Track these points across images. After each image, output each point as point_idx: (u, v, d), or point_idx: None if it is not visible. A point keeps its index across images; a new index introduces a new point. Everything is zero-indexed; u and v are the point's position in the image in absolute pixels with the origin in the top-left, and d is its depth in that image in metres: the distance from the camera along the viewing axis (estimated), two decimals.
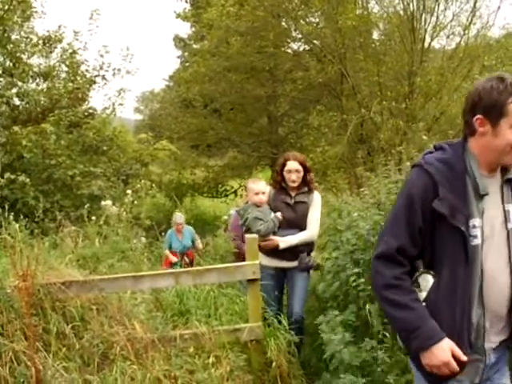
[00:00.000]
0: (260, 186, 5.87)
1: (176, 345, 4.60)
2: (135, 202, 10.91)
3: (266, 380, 4.76)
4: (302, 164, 5.75)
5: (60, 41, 16.21)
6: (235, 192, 22.94)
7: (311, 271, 5.89)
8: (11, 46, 14.83)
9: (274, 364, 4.75)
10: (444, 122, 16.37)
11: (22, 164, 12.82)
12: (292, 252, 5.60)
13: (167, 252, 9.67)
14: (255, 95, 20.71)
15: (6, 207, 6.92)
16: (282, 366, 4.81)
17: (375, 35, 18.71)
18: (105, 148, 15.50)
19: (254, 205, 5.78)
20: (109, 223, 8.49)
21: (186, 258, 9.63)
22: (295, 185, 5.71)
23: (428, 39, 16.94)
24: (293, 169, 5.69)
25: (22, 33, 15.55)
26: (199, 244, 10.15)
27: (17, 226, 6.05)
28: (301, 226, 5.66)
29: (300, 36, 19.44)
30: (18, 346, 4.13)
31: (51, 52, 16.13)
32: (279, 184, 5.83)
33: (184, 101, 24.17)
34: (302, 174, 5.72)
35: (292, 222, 5.66)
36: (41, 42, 15.97)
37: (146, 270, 6.35)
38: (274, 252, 5.61)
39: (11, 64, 14.94)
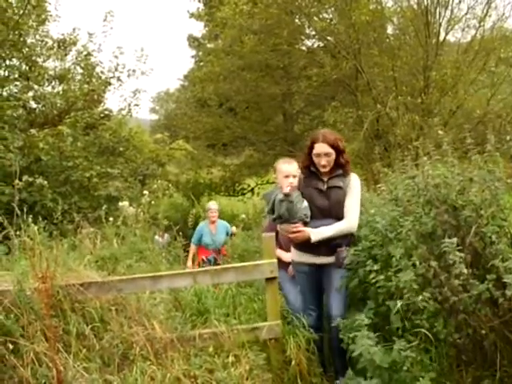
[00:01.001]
0: (291, 168, 5.13)
1: (195, 344, 4.61)
2: (152, 202, 10.94)
3: (285, 378, 4.76)
4: (333, 145, 4.96)
5: (75, 43, 16.31)
6: (252, 190, 22.95)
7: None
8: (27, 49, 14.94)
9: (293, 362, 4.74)
10: (460, 115, 16.26)
11: (39, 166, 12.90)
12: (327, 246, 4.92)
13: (193, 247, 9.31)
14: (270, 93, 20.69)
15: (25, 210, 6.96)
16: (302, 364, 4.80)
17: (389, 30, 18.63)
18: (121, 149, 15.57)
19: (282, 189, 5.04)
20: (126, 224, 8.52)
21: (217, 257, 8.89)
22: (326, 169, 5.01)
23: (443, 33, 16.82)
24: (321, 152, 4.97)
25: (38, 36, 15.68)
26: (234, 229, 9.82)
27: (35, 228, 6.08)
28: (337, 215, 4.94)
29: (314, 33, 19.38)
30: (38, 347, 4.15)
31: (66, 55, 16.24)
32: (308, 169, 5.15)
33: (199, 100, 24.21)
34: (333, 156, 4.98)
35: (326, 211, 4.97)
36: (56, 45, 16.08)
37: (164, 270, 6.36)
38: (305, 246, 4.97)
39: (27, 68, 15.05)
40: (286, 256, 5.63)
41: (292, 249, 5.26)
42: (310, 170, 5.13)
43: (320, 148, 4.99)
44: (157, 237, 10.45)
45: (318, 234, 4.88)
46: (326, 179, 5.06)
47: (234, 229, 9.83)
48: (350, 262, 4.94)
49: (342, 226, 4.93)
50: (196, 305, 5.52)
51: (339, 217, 4.95)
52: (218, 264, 8.43)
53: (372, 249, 4.95)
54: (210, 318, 5.15)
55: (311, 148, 5.06)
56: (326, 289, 5.13)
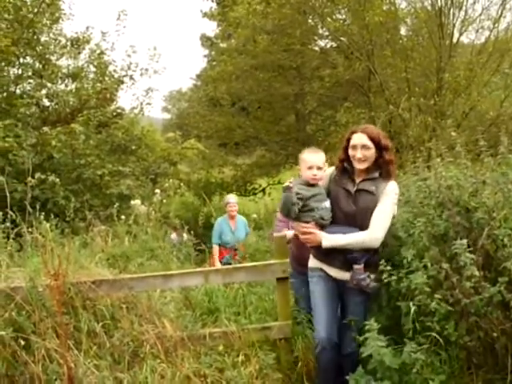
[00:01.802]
0: (316, 158, 4.53)
1: (205, 343, 4.63)
2: (164, 200, 10.96)
3: (294, 378, 4.76)
4: (373, 139, 4.37)
5: (88, 42, 16.34)
6: (263, 190, 22.93)
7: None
8: (40, 48, 14.98)
9: (300, 363, 4.74)
10: (473, 117, 16.16)
11: (51, 164, 12.94)
12: (343, 258, 4.36)
13: (216, 248, 8.77)
14: (283, 93, 20.66)
15: (37, 207, 6.99)
16: (310, 364, 4.80)
17: (403, 31, 18.55)
18: (133, 147, 15.59)
19: (305, 183, 4.54)
20: (138, 222, 8.54)
21: (237, 254, 8.31)
22: (361, 166, 4.38)
23: (456, 34, 16.71)
24: (358, 143, 4.38)
25: (51, 35, 15.70)
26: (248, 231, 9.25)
27: (48, 225, 6.11)
28: (362, 224, 4.34)
29: (327, 33, 19.33)
30: (49, 344, 4.18)
31: (79, 53, 16.27)
32: (342, 164, 4.57)
33: (211, 99, 24.21)
34: (372, 152, 4.37)
35: (350, 217, 4.40)
36: (69, 43, 16.11)
37: (175, 269, 6.37)
38: (320, 253, 4.51)
39: (41, 66, 15.09)
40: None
41: (311, 256, 4.74)
42: (343, 166, 4.56)
43: (357, 139, 4.42)
44: (173, 236, 10.36)
45: (330, 239, 4.35)
46: (358, 180, 4.47)
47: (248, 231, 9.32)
48: (372, 287, 4.35)
49: (361, 237, 4.29)
50: (206, 304, 5.54)
51: (364, 227, 4.33)
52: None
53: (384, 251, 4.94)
54: (220, 317, 5.17)
55: (349, 140, 4.50)
56: (342, 316, 4.60)
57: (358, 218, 4.37)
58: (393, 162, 4.50)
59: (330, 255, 4.43)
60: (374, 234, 4.31)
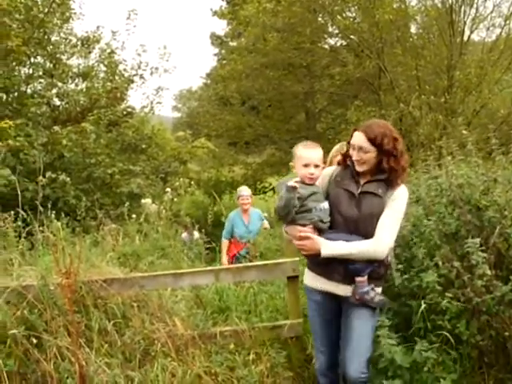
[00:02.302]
0: (313, 154, 3.91)
1: (216, 342, 4.63)
2: (175, 199, 10.97)
3: (306, 377, 4.75)
4: (373, 140, 3.71)
5: (98, 41, 16.39)
6: (273, 189, 22.92)
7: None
8: (51, 47, 15.03)
9: (311, 361, 4.74)
10: (484, 115, 16.10)
11: (62, 163, 12.98)
12: (344, 270, 3.79)
13: (225, 241, 8.45)
14: (293, 91, 20.65)
15: (48, 206, 7.02)
16: None
17: (413, 29, 18.47)
18: (144, 146, 15.62)
19: (300, 181, 3.89)
20: (149, 221, 8.56)
21: (250, 249, 7.89)
22: (359, 168, 3.81)
23: (467, 32, 16.66)
24: (355, 144, 3.79)
25: (62, 34, 15.76)
26: (266, 224, 8.69)
27: (59, 224, 6.14)
28: (366, 231, 3.75)
29: (337, 31, 19.31)
30: (61, 342, 4.20)
31: (90, 52, 16.32)
32: (345, 161, 3.99)
33: (221, 98, 24.24)
34: (370, 155, 3.74)
35: (352, 223, 3.79)
36: (80, 42, 16.17)
37: (186, 268, 6.38)
38: (318, 264, 3.88)
39: (51, 65, 15.14)
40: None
41: (306, 269, 4.15)
42: (346, 165, 3.96)
43: (355, 138, 3.81)
44: (184, 234, 10.32)
45: (330, 247, 3.71)
46: (362, 181, 3.85)
47: (265, 223, 8.75)
48: (378, 301, 3.80)
49: (365, 247, 3.70)
50: (217, 302, 5.54)
51: (368, 235, 3.74)
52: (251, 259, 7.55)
53: (394, 250, 4.92)
54: (231, 315, 5.17)
55: (352, 136, 3.89)
56: (344, 333, 3.94)
57: (361, 224, 3.76)
58: (398, 170, 3.78)
59: (329, 267, 3.81)
60: (380, 243, 3.72)
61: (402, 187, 3.83)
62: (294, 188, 3.72)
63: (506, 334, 3.99)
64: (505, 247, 4.25)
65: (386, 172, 3.78)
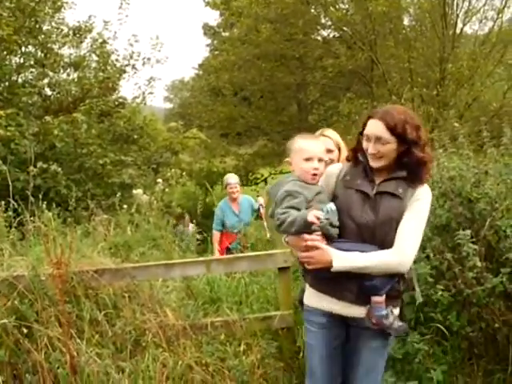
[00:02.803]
0: (316, 147, 3.33)
1: (207, 332, 4.63)
2: (166, 190, 10.95)
3: (296, 368, 4.77)
4: (394, 129, 3.09)
5: (90, 31, 16.30)
6: (265, 180, 22.94)
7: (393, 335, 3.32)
8: (42, 36, 14.95)
9: (301, 352, 4.75)
10: (476, 108, 16.16)
11: (53, 153, 12.93)
12: (358, 288, 3.14)
13: (216, 233, 8.05)
14: (285, 83, 20.63)
15: (39, 196, 6.99)
16: None
17: (406, 21, 18.50)
18: (135, 137, 15.59)
19: (300, 180, 3.28)
20: (140, 211, 8.54)
21: (241, 240, 7.62)
22: (375, 164, 3.18)
23: (460, 24, 16.72)
24: (371, 134, 3.15)
25: (53, 24, 15.66)
26: (261, 200, 8.18)
27: (50, 214, 6.12)
28: (383, 240, 3.12)
29: (329, 23, 19.32)
30: (52, 332, 4.19)
31: (81, 42, 16.23)
32: (355, 156, 3.35)
33: (214, 89, 24.20)
34: (390, 147, 3.12)
35: (367, 230, 3.15)
36: (71, 32, 16.07)
37: (177, 258, 6.38)
38: (324, 280, 3.23)
39: (43, 55, 15.07)
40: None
41: (306, 286, 3.47)
42: (356, 159, 3.34)
43: (371, 127, 3.17)
44: (180, 226, 10.24)
45: (344, 259, 3.05)
46: (378, 180, 3.23)
47: (260, 200, 8.26)
48: (398, 328, 3.20)
49: (386, 258, 3.08)
50: (208, 293, 5.54)
51: (386, 244, 3.12)
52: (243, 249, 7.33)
53: None
54: (222, 306, 5.17)
55: (364, 126, 3.25)
56: (350, 362, 3.37)
57: (378, 231, 3.12)
58: (427, 161, 3.18)
59: (338, 283, 3.16)
60: (403, 253, 3.09)
61: (425, 186, 3.21)
62: (312, 224, 3.06)
63: (496, 325, 4.02)
64: (495, 239, 4.28)
65: (406, 168, 3.17)
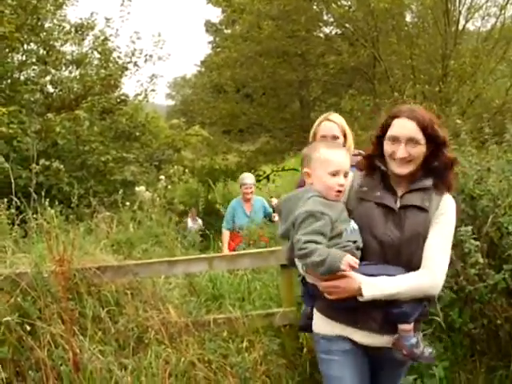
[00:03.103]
0: (343, 157, 2.86)
1: (210, 329, 4.63)
2: (168, 187, 10.97)
3: (298, 365, 4.77)
4: (426, 129, 2.78)
5: (92, 28, 16.30)
6: (267, 177, 22.94)
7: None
8: (44, 34, 14.96)
9: (305, 349, 4.75)
10: (479, 105, 16.14)
11: (56, 151, 12.94)
12: (382, 316, 2.77)
13: (226, 233, 7.91)
14: (287, 80, 20.63)
15: (42, 193, 7.00)
16: (314, 351, 4.81)
17: (408, 18, 18.51)
18: (137, 134, 15.59)
19: (321, 196, 2.80)
20: (142, 208, 8.54)
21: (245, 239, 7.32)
22: (403, 170, 2.79)
23: (462, 21, 16.70)
24: (402, 136, 2.77)
25: (55, 21, 15.66)
26: (274, 201, 7.84)
27: (52, 211, 6.12)
28: (409, 260, 2.76)
29: (332, 20, 19.31)
30: (55, 329, 4.20)
31: (83, 39, 16.24)
32: (370, 163, 2.94)
33: (216, 86, 24.20)
34: (421, 149, 2.79)
35: (392, 250, 2.77)
36: (73, 29, 16.08)
37: (180, 255, 6.38)
38: (342, 309, 2.82)
39: (45, 52, 15.08)
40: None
41: (315, 311, 3.07)
42: (372, 167, 2.93)
43: (401, 127, 2.80)
44: (188, 220, 10.16)
45: (374, 286, 2.66)
46: (400, 191, 2.86)
47: (274, 201, 7.92)
48: (429, 355, 2.86)
49: (418, 282, 2.72)
50: (211, 290, 5.55)
51: (413, 263, 2.76)
52: None
53: None
54: (224, 303, 5.17)
55: (385, 127, 2.87)
56: None
57: (404, 249, 2.76)
58: (452, 166, 2.89)
59: (359, 312, 2.77)
60: (435, 275, 2.77)
61: (449, 196, 2.88)
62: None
63: (498, 322, 4.03)
64: (497, 236, 4.27)
65: (433, 173, 2.85)
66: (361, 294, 2.64)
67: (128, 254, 6.31)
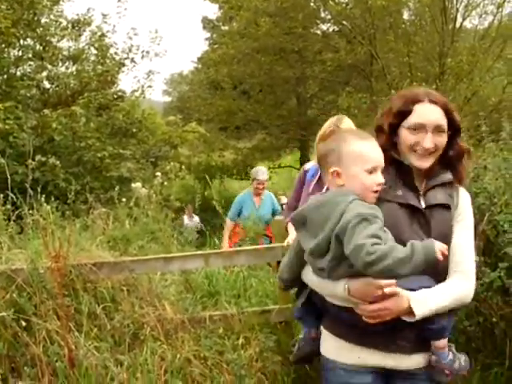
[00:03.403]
0: (380, 154, 2.34)
1: (205, 326, 4.63)
2: (165, 183, 10.97)
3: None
4: (450, 115, 2.45)
5: (89, 24, 16.29)
6: None
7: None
8: (41, 29, 14.95)
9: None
10: (475, 103, 16.16)
11: (52, 146, 12.94)
12: (415, 334, 2.37)
13: (230, 224, 7.69)
14: (284, 77, 20.65)
15: (38, 189, 6.98)
16: None
17: (405, 15, 18.54)
18: (134, 130, 15.60)
19: (360, 198, 2.28)
20: (139, 205, 8.53)
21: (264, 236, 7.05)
22: (425, 163, 2.42)
23: (460, 19, 16.74)
24: (429, 123, 2.39)
25: (52, 16, 15.65)
26: (284, 199, 7.72)
27: (48, 207, 6.11)
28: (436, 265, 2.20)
29: (329, 17, 19.33)
30: (50, 325, 4.19)
31: (80, 35, 16.24)
32: (389, 158, 2.42)
33: (212, 82, 24.22)
34: (444, 138, 2.44)
35: None
36: (70, 25, 16.07)
37: (176, 252, 6.38)
38: (370, 332, 2.34)
39: (41, 48, 15.06)
40: None
41: (324, 332, 2.60)
42: (387, 160, 2.38)
43: (426, 113, 2.40)
44: (185, 217, 10.11)
45: (423, 303, 2.26)
46: (422, 188, 2.48)
47: (283, 199, 7.84)
48: (465, 367, 2.53)
49: (461, 289, 2.42)
50: (207, 287, 5.54)
51: (441, 269, 2.38)
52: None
53: None
54: (220, 300, 5.17)
55: (404, 113, 2.44)
56: None
57: None
58: (467, 154, 2.60)
59: (388, 333, 2.34)
60: (472, 279, 2.46)
61: (462, 189, 2.59)
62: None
63: (494, 320, 4.03)
64: (493, 234, 4.27)
65: (449, 165, 2.53)
66: (411, 314, 2.24)
67: (124, 251, 6.30)
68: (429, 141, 2.38)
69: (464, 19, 16.86)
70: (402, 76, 16.44)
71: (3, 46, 13.68)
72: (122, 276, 4.72)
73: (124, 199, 8.68)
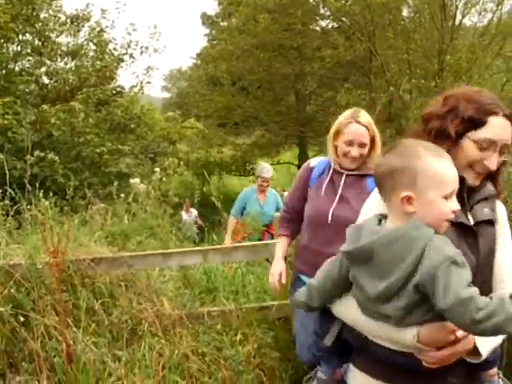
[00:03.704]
0: (456, 175, 1.89)
1: (203, 322, 4.63)
2: (163, 179, 10.97)
3: (292, 358, 4.77)
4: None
5: (88, 19, 16.28)
6: None
7: None
8: (40, 24, 14.93)
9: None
10: None
11: (50, 142, 12.94)
12: (467, 368, 2.04)
13: (233, 220, 7.56)
14: (283, 73, 20.64)
15: (37, 185, 6.98)
16: None
17: (405, 12, 18.53)
18: (132, 126, 15.60)
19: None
20: (137, 201, 8.53)
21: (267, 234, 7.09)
22: (478, 182, 2.15)
23: (459, 16, 16.74)
24: (500, 141, 2.07)
25: (51, 11, 15.64)
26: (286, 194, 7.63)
27: (47, 203, 6.10)
28: (481, 286, 1.80)
29: (328, 13, 19.30)
30: (49, 321, 4.18)
31: (79, 31, 16.23)
32: None
33: (211, 79, 24.22)
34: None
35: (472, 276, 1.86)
36: (69, 20, 16.06)
37: (174, 247, 6.37)
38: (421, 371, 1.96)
39: (40, 43, 15.05)
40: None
41: (356, 372, 2.20)
42: None
43: (501, 131, 2.07)
44: (184, 215, 10.08)
45: (487, 341, 1.95)
46: (469, 203, 2.18)
47: (286, 194, 7.91)
48: None
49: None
50: (205, 283, 5.54)
51: (485, 289, 2.01)
52: None
53: None
54: (218, 296, 5.17)
55: (474, 123, 2.08)
56: None
57: (479, 275, 2.04)
58: (504, 165, 2.25)
59: (443, 372, 1.98)
60: None
61: (499, 202, 2.28)
62: None
63: None
64: None
65: (491, 178, 2.22)
66: (477, 355, 1.95)
67: (122, 246, 6.30)
68: (495, 162, 2.08)
69: (463, 16, 16.88)
70: (401, 73, 16.46)
71: (2, 41, 13.68)
72: (121, 271, 4.72)
73: (122, 195, 8.68)
